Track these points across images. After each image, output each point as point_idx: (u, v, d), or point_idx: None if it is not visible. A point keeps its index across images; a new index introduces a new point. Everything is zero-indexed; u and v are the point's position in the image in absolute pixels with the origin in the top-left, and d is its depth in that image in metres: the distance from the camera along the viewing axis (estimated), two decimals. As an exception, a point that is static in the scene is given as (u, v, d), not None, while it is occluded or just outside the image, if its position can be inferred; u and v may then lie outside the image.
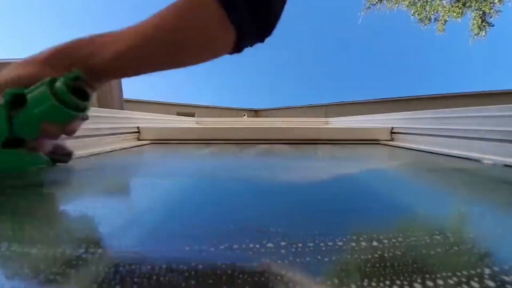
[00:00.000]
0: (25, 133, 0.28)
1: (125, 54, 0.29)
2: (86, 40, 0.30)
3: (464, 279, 0.10)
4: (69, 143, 0.49)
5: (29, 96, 0.26)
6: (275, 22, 0.31)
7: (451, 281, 0.10)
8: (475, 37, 4.60)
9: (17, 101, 0.26)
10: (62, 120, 0.28)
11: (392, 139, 0.78)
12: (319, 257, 0.12)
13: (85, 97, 0.29)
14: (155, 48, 0.30)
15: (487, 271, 0.11)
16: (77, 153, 0.48)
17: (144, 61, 0.31)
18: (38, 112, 0.26)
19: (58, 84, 0.27)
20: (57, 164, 0.35)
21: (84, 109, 0.30)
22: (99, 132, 0.59)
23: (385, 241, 0.14)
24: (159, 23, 0.30)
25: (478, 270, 0.11)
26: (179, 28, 0.30)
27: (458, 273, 0.11)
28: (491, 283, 0.10)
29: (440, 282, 0.10)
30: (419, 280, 0.10)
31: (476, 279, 0.10)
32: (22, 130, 0.27)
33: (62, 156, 0.35)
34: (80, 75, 0.28)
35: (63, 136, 0.31)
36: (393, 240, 0.14)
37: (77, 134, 0.54)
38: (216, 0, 0.28)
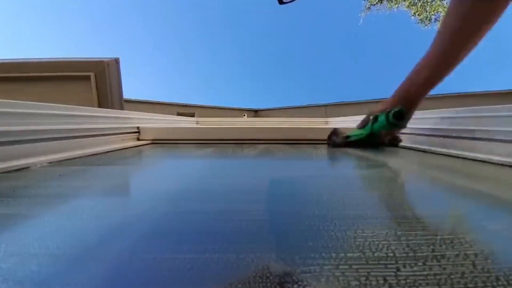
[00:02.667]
0: (376, 133, 0.60)
1: (432, 75, 0.49)
2: (406, 81, 0.53)
3: None
4: (70, 143, 0.49)
5: (378, 118, 0.58)
6: None
7: None
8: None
9: (377, 118, 0.58)
10: (389, 130, 0.59)
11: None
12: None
13: (403, 118, 0.55)
14: (454, 53, 0.46)
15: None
16: (77, 153, 0.47)
17: (447, 68, 0.47)
18: (378, 127, 0.59)
19: (390, 114, 0.54)
20: (391, 145, 0.64)
21: (402, 126, 0.57)
22: (99, 132, 0.59)
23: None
24: (449, 37, 0.45)
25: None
26: (465, 28, 0.43)
27: None
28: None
29: None
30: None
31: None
32: (376, 131, 0.60)
33: (395, 141, 0.64)
34: (402, 109, 0.54)
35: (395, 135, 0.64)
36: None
37: (76, 134, 0.53)
38: None
